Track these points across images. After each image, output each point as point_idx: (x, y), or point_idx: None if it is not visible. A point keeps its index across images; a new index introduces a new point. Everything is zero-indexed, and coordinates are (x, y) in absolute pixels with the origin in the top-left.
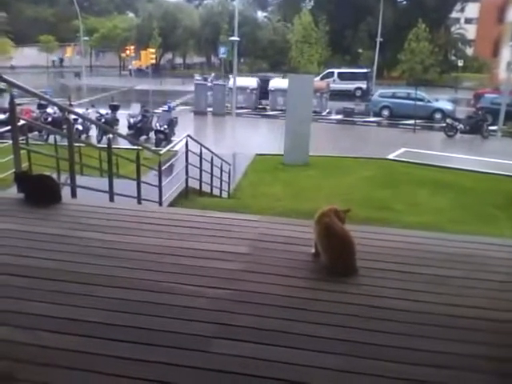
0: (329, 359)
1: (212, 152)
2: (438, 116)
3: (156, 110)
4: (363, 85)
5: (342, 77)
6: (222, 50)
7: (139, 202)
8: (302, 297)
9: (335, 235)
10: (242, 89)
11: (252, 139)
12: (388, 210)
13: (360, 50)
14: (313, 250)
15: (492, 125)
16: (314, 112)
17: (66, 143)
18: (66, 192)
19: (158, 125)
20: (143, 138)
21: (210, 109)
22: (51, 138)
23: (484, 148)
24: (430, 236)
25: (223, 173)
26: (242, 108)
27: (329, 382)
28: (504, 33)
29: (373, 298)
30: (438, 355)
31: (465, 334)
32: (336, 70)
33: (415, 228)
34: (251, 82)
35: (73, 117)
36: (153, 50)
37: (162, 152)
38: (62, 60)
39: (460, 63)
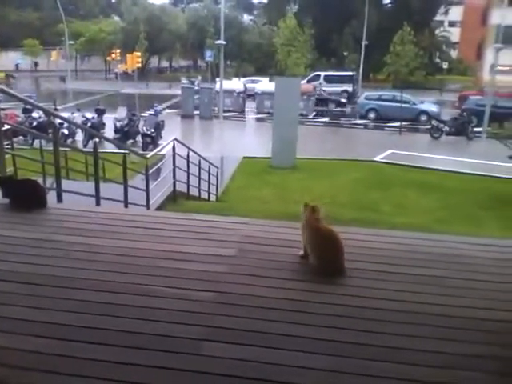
0: (318, 360)
1: (199, 155)
2: (423, 118)
3: (143, 114)
4: (349, 87)
5: (329, 80)
6: (208, 53)
7: (126, 206)
8: (290, 298)
9: (323, 236)
10: (229, 92)
11: (239, 142)
12: (375, 211)
13: (346, 53)
14: (301, 252)
15: (477, 126)
16: (301, 115)
17: (52, 147)
18: (51, 196)
19: (144, 128)
20: (130, 141)
21: (196, 112)
22: (37, 143)
23: (469, 149)
24: (418, 236)
25: (211, 176)
26: (229, 111)
27: (318, 382)
28: (487, 35)
29: (361, 299)
30: (432, 355)
31: (460, 333)
32: (322, 73)
33: (402, 229)
34: (238, 85)
35: (58, 121)
36: (139, 54)
37: (148, 156)
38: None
39: (445, 66)
